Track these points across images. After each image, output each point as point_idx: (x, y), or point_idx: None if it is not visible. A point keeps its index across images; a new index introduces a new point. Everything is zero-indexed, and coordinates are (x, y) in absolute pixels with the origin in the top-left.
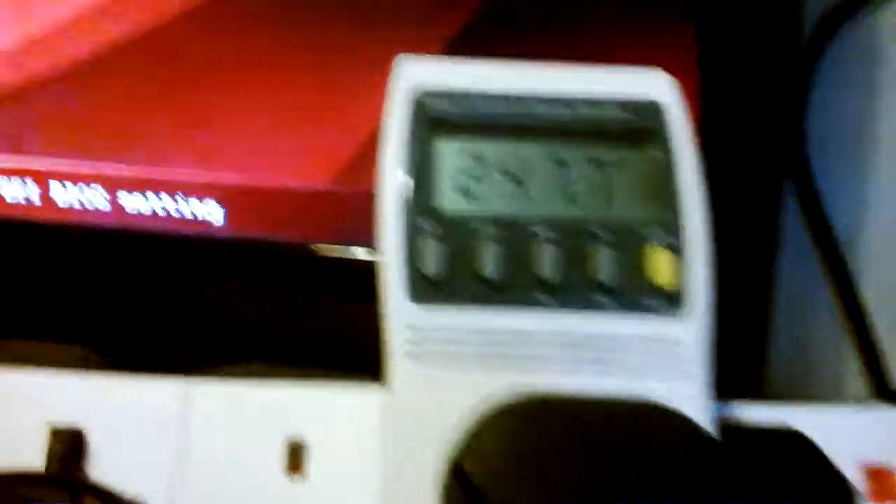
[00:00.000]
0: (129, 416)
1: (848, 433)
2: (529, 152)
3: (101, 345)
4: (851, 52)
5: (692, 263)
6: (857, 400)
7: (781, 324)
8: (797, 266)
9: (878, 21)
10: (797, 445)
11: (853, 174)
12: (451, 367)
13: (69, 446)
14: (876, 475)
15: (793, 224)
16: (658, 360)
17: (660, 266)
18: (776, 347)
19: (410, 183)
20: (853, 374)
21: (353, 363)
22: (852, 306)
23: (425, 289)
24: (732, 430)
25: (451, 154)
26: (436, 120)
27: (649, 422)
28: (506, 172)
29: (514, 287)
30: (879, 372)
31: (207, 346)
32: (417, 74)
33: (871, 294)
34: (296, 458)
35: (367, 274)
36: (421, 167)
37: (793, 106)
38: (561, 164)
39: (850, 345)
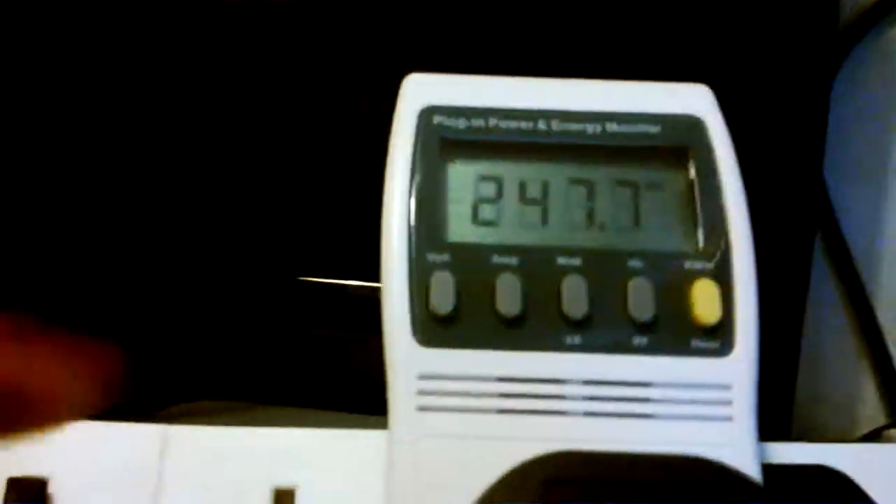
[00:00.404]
0: (99, 464)
1: (886, 471)
2: (552, 174)
3: None
4: (871, 63)
5: (740, 298)
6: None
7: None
8: (812, 290)
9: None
10: (839, 485)
11: (869, 191)
12: (467, 420)
13: (29, 498)
14: None
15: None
16: (704, 407)
17: (704, 300)
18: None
19: (418, 211)
20: (870, 400)
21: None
22: (870, 332)
23: (435, 330)
24: (774, 472)
25: (463, 178)
26: (447, 140)
27: (691, 477)
28: (525, 197)
29: (537, 326)
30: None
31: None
32: (426, 91)
33: (887, 316)
34: None
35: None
36: (430, 193)
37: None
38: (588, 186)
39: (867, 371)
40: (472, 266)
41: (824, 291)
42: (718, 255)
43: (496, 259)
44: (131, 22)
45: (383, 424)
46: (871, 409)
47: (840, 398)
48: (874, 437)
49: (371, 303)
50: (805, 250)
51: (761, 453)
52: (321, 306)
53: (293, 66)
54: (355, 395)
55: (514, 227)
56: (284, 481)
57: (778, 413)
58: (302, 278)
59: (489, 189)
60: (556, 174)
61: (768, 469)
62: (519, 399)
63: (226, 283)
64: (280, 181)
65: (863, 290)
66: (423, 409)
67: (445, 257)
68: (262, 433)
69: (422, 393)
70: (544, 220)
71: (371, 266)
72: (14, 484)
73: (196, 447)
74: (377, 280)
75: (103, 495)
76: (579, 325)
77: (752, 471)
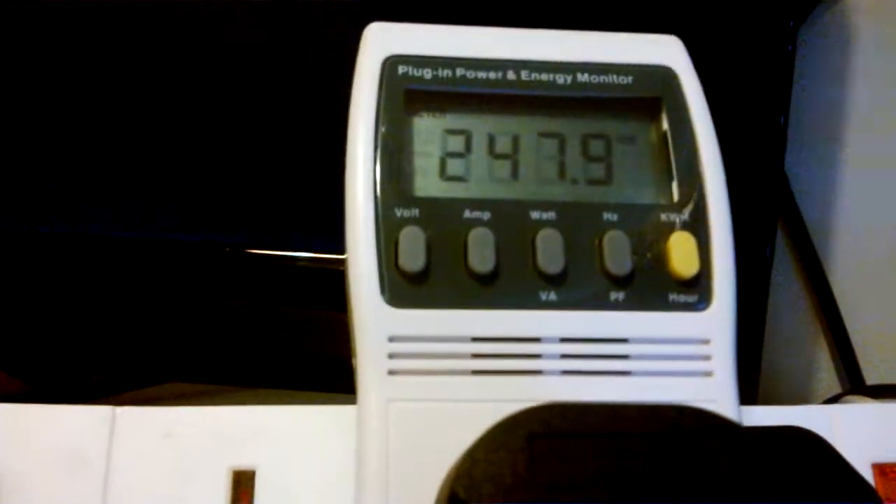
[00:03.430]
0: (45, 448)
1: (853, 430)
2: (522, 127)
3: (20, 369)
4: (824, 38)
5: (718, 250)
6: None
7: None
8: None
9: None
10: (811, 446)
11: (824, 164)
12: (440, 382)
13: None
14: (885, 471)
15: None
16: (683, 363)
17: (681, 253)
18: None
19: (384, 165)
20: (825, 368)
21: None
22: (825, 301)
23: (405, 289)
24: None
25: (430, 131)
26: (412, 92)
27: (679, 425)
28: (494, 151)
29: (512, 283)
30: (853, 367)
31: (134, 367)
32: (390, 40)
33: (842, 287)
34: (242, 489)
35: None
36: (395, 147)
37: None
38: (559, 139)
39: (822, 340)
40: (443, 221)
41: (781, 264)
42: (694, 206)
43: (467, 214)
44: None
45: (352, 402)
46: (826, 379)
47: (797, 368)
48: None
49: (336, 276)
50: (768, 225)
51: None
52: (283, 282)
53: (240, 29)
54: (324, 374)
55: (483, 182)
56: (243, 462)
57: (745, 379)
58: (255, 251)
59: (457, 143)
60: (526, 127)
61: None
62: (493, 359)
63: (186, 260)
64: (244, 151)
65: (817, 260)
66: (393, 372)
67: (414, 212)
68: (216, 412)
69: (392, 356)
70: (515, 174)
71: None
72: None
73: (146, 428)
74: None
75: (50, 479)
76: (555, 281)
77: None
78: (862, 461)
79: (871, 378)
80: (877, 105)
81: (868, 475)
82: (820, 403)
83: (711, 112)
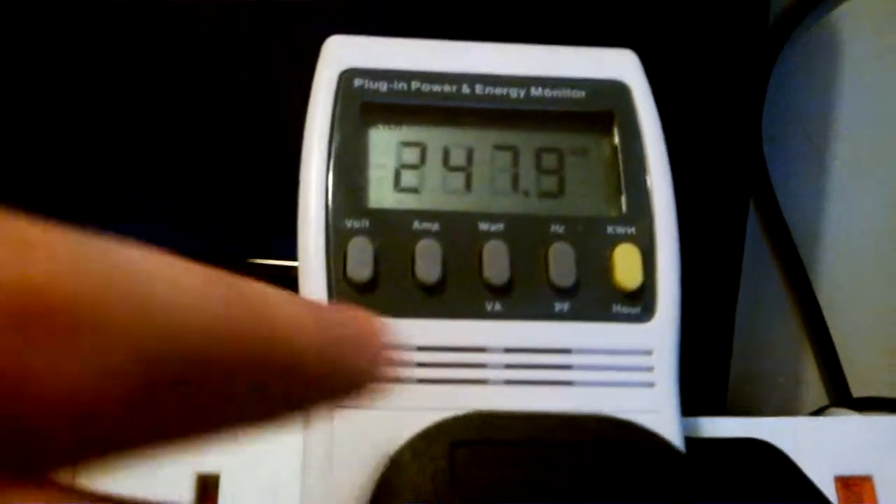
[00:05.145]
0: None
1: (818, 443)
2: (476, 140)
3: None
4: (810, 47)
5: (662, 263)
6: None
7: (739, 331)
8: (754, 272)
9: (838, 17)
10: (767, 457)
11: (811, 173)
12: (385, 391)
13: None
14: (848, 484)
15: (750, 227)
16: (625, 374)
17: (625, 265)
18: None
19: (337, 176)
20: (812, 381)
21: None
22: (811, 313)
23: (352, 298)
24: (701, 444)
25: (386, 143)
26: (368, 104)
27: (600, 436)
28: (449, 164)
29: (458, 293)
30: (839, 379)
31: None
32: (347, 53)
33: (828, 297)
34: (207, 494)
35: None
36: (350, 158)
37: (751, 106)
38: (512, 152)
39: (808, 352)
40: (392, 232)
41: (764, 271)
42: (641, 220)
43: (416, 225)
44: None
45: None
46: (814, 391)
47: (783, 379)
48: (817, 416)
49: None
50: (738, 227)
51: (689, 425)
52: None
53: (234, 42)
54: None
55: (436, 194)
56: (207, 467)
57: (713, 389)
58: (252, 261)
59: (412, 155)
60: (481, 140)
61: (695, 442)
62: (439, 368)
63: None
64: (229, 161)
65: (803, 271)
66: None
67: (364, 223)
68: None
69: None
70: (468, 186)
71: None
72: None
73: None
74: None
75: None
76: (500, 292)
77: (674, 437)
78: (825, 474)
79: (858, 388)
80: (862, 113)
81: (831, 488)
82: (807, 415)
83: (687, 124)
